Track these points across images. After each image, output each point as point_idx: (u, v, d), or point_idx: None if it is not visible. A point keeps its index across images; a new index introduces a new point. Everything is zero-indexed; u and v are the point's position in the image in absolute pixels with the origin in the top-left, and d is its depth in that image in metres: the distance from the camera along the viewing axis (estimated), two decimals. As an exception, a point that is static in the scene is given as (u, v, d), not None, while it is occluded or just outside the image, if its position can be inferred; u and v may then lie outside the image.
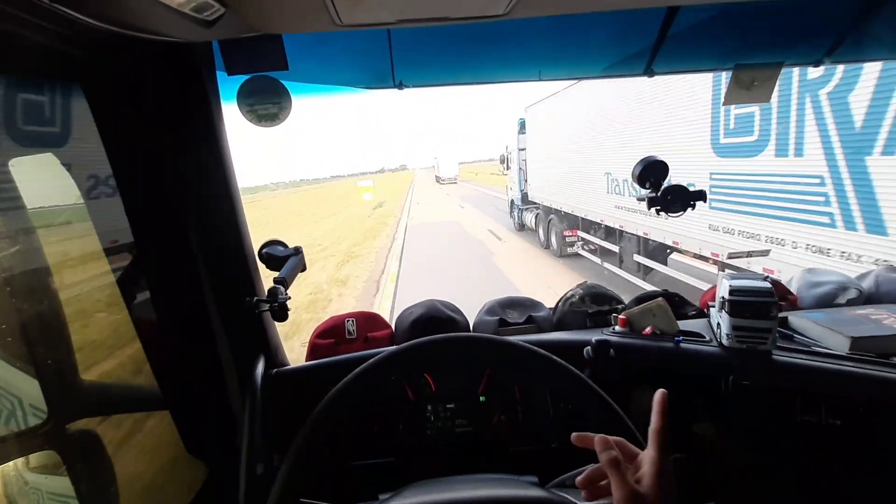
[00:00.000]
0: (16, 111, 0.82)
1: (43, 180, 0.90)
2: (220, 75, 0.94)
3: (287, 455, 0.70)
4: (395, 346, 0.81)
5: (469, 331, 1.26)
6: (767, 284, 0.97)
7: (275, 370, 1.08)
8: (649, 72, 1.16)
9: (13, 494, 0.92)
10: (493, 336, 0.85)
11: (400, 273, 9.16)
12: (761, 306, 0.95)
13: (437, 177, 51.78)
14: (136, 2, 0.58)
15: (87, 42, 0.71)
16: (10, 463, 0.91)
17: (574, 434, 0.59)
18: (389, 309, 6.69)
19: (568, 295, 1.30)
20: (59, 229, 0.93)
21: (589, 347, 1.00)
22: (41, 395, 0.83)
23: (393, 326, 1.27)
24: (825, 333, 1.02)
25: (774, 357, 0.98)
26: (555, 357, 0.79)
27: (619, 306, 1.23)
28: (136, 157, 0.87)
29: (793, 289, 1.29)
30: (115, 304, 0.93)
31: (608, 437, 0.55)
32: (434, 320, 1.21)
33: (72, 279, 0.92)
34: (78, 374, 0.90)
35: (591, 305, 1.24)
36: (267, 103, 1.00)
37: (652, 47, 1.10)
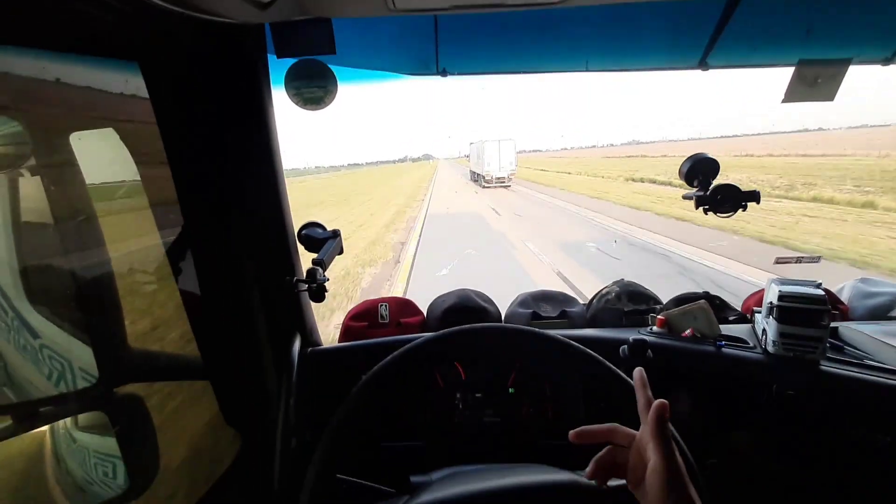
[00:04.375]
0: (78, 89, 0.85)
1: (102, 155, 0.94)
2: (270, 59, 0.96)
3: (325, 432, 0.71)
4: (434, 333, 0.81)
5: (501, 321, 1.25)
6: (820, 291, 0.93)
7: (310, 349, 1.11)
8: (703, 65, 1.12)
9: (63, 451, 0.98)
10: (540, 331, 0.83)
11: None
12: (812, 314, 0.91)
13: (475, 174, 30.70)
14: None
15: (147, 21, 0.73)
16: (61, 421, 0.97)
17: (572, 432, 0.56)
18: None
19: (603, 292, 1.28)
20: (116, 204, 0.97)
21: (625, 346, 0.98)
22: (93, 360, 0.88)
23: (425, 313, 1.28)
24: (879, 347, 0.97)
25: (823, 368, 0.94)
26: (592, 352, 0.77)
27: (657, 306, 1.20)
28: (187, 135, 0.89)
29: (843, 298, 1.24)
30: (163, 277, 0.97)
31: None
32: (466, 309, 1.22)
33: (125, 252, 0.96)
34: (127, 341, 0.94)
35: (628, 304, 1.21)
36: (313, 87, 1.01)
37: (708, 39, 1.06)
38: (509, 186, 26.12)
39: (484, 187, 26.20)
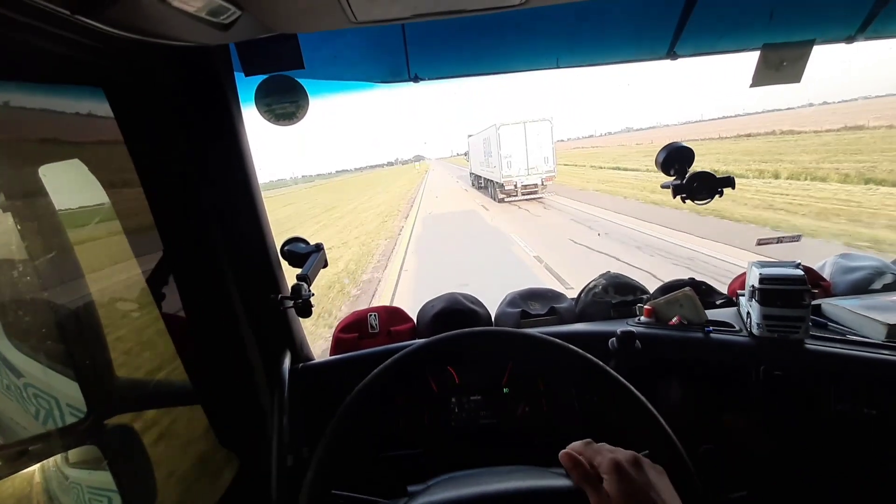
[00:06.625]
0: (43, 119, 0.84)
1: (72, 186, 0.92)
2: (238, 77, 0.95)
3: (317, 447, 0.71)
4: (423, 340, 0.81)
5: (491, 323, 1.25)
6: (799, 271, 0.94)
7: (301, 365, 1.10)
8: (672, 55, 1.13)
9: (55, 490, 0.96)
10: (519, 330, 0.84)
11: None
12: (793, 294, 0.92)
13: (481, 179, 22.05)
14: (154, 9, 0.58)
15: (109, 50, 0.72)
16: (51, 460, 0.95)
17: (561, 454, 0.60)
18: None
19: (591, 285, 1.28)
20: (90, 233, 0.95)
21: (614, 339, 0.98)
22: (79, 394, 0.86)
23: (415, 320, 1.27)
24: (860, 321, 0.99)
25: (807, 346, 0.95)
26: (576, 348, 0.78)
27: (644, 296, 1.21)
28: (159, 160, 0.88)
29: (825, 275, 1.25)
30: (145, 304, 0.96)
31: (570, 452, 0.58)
32: (456, 313, 1.22)
33: (104, 282, 0.95)
34: (114, 371, 0.93)
35: (615, 296, 1.22)
36: (284, 102, 1.00)
37: (674, 29, 1.07)
38: (542, 198, 16.14)
39: (500, 200, 16.51)
